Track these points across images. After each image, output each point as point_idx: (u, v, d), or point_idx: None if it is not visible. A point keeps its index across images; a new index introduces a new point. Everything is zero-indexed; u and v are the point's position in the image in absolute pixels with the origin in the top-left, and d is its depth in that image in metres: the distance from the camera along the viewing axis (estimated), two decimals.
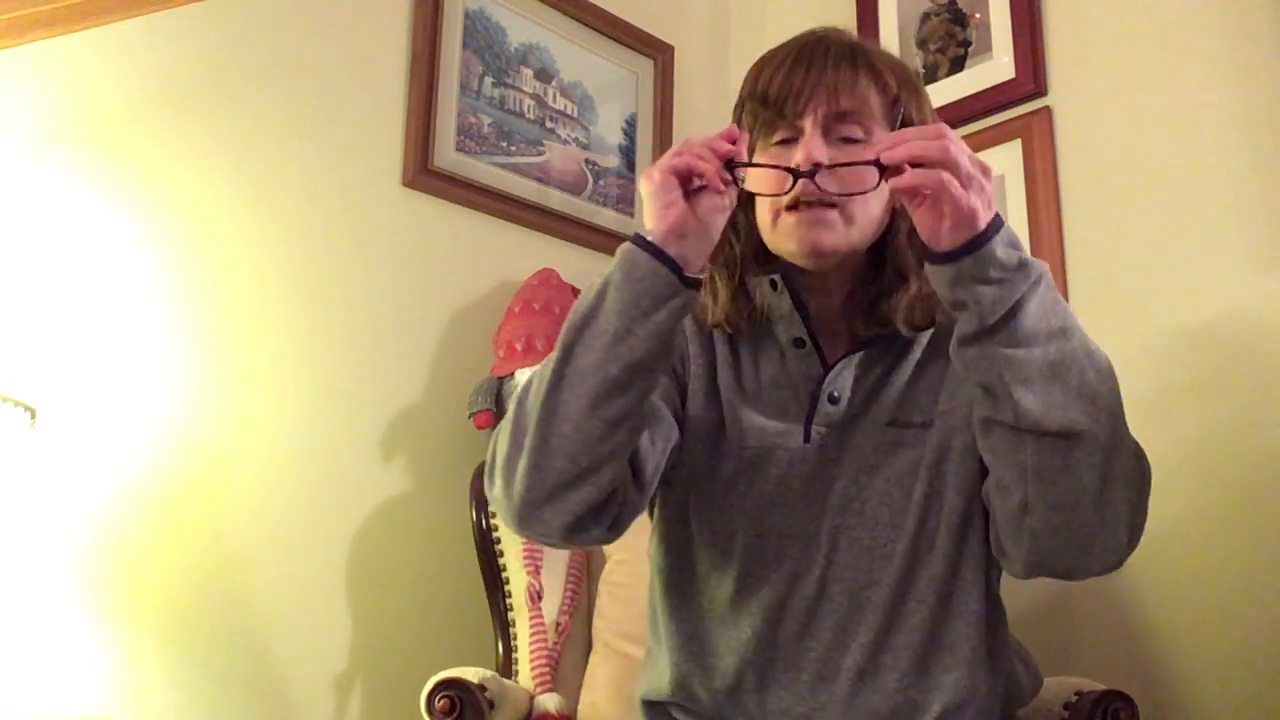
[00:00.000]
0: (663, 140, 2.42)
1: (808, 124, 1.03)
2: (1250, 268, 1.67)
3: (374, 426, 1.90)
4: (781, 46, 1.11)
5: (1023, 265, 0.92)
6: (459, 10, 2.14)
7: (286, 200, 1.87)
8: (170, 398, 1.70)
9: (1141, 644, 1.67)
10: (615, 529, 1.02)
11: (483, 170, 2.12)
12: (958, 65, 2.13)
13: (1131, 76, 1.87)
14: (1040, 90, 1.98)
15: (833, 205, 1.03)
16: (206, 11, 1.83)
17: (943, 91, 2.13)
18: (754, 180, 1.05)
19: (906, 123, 1.07)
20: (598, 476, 0.96)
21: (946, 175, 0.89)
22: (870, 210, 1.06)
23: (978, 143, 2.05)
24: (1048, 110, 1.97)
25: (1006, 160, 2.00)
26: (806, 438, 1.10)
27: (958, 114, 2.08)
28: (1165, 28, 1.84)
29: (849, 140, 1.04)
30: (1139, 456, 0.99)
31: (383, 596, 1.85)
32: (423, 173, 2.03)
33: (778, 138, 1.06)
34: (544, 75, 2.27)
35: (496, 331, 1.98)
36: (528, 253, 2.14)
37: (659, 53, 2.47)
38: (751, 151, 1.08)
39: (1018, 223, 1.96)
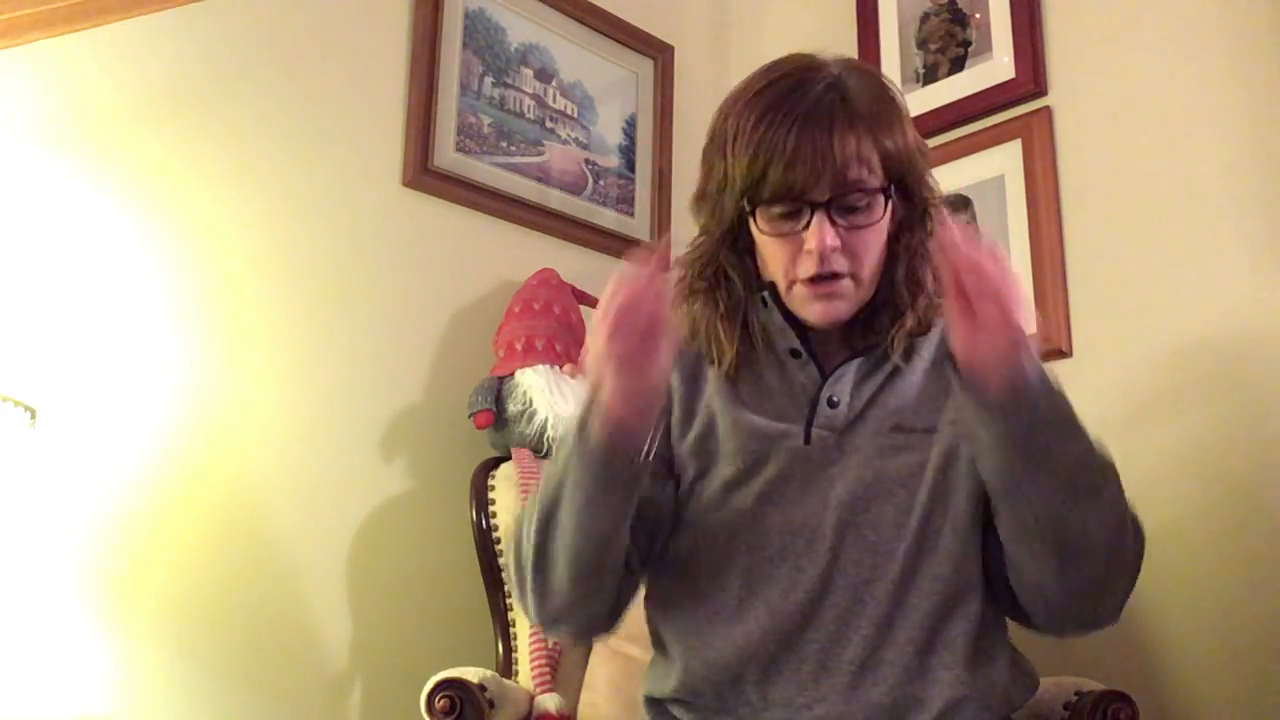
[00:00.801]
0: (663, 140, 2.42)
1: (816, 218, 1.07)
2: (1250, 268, 1.67)
3: (374, 426, 1.90)
4: (774, 97, 1.10)
5: (1057, 382, 1.01)
6: (459, 10, 2.14)
7: (286, 200, 1.87)
8: (170, 397, 1.70)
9: (1141, 644, 1.67)
10: (619, 619, 1.15)
11: (483, 170, 2.12)
12: (958, 65, 2.13)
13: (1131, 76, 1.87)
14: (1040, 90, 1.98)
15: (845, 275, 1.09)
16: (206, 11, 1.83)
17: (943, 91, 2.13)
18: (765, 246, 1.12)
19: (900, 163, 1.11)
20: (596, 596, 1.09)
21: (1007, 323, 0.95)
22: (875, 265, 1.12)
23: (977, 143, 2.05)
24: (1048, 110, 1.97)
25: (1006, 160, 2.00)
26: (807, 439, 1.13)
27: (958, 114, 2.08)
28: (1165, 28, 1.84)
29: (853, 209, 1.08)
30: (1138, 546, 1.08)
31: (383, 596, 1.85)
32: (423, 173, 2.03)
33: (780, 210, 1.09)
34: (544, 75, 2.27)
35: (496, 331, 1.98)
36: (528, 253, 2.14)
37: (659, 53, 2.47)
38: (748, 199, 1.10)
39: (1017, 222, 1.95)
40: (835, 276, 1.09)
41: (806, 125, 1.07)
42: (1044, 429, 0.99)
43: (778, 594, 1.09)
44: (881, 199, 1.09)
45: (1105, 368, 1.80)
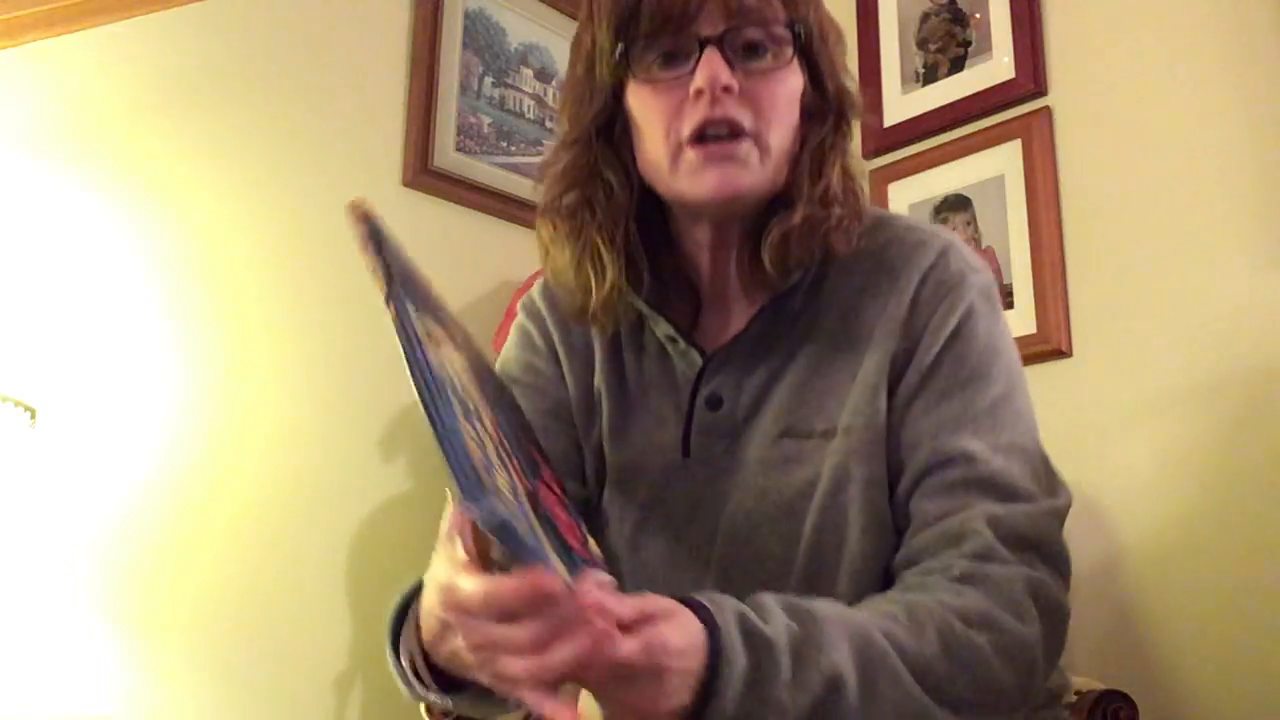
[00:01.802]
0: None
1: (706, 53, 0.85)
2: (1250, 267, 1.67)
3: (374, 426, 1.90)
4: None
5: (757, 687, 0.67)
6: (459, 10, 2.14)
7: (286, 200, 1.87)
8: (170, 398, 1.69)
9: (1141, 644, 1.67)
10: None
11: (483, 170, 2.12)
12: (958, 65, 2.13)
13: (1131, 76, 1.87)
14: (1040, 90, 1.98)
15: (745, 135, 0.86)
16: (205, 12, 1.83)
17: (943, 91, 2.13)
18: (644, 111, 0.89)
19: (807, 28, 0.90)
20: None
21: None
22: (785, 136, 0.89)
23: (977, 143, 2.05)
24: (1048, 110, 1.97)
25: (1006, 160, 2.00)
26: (685, 451, 0.92)
27: (958, 114, 2.08)
28: (1165, 28, 1.84)
29: (751, 50, 0.87)
30: (1019, 668, 0.77)
31: (383, 596, 1.84)
32: (423, 173, 2.03)
33: (658, 53, 0.88)
34: (544, 75, 2.27)
35: (496, 331, 1.97)
36: (528, 253, 2.10)
37: None
38: (623, 71, 0.89)
39: (1017, 222, 1.95)
40: (734, 134, 0.85)
41: None
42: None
43: None
44: (789, 50, 0.88)
45: (1105, 368, 1.80)
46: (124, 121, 1.72)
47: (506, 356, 1.04)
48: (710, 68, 0.84)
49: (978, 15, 2.12)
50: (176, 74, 1.79)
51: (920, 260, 0.91)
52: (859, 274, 0.91)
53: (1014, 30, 2.04)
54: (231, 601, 1.69)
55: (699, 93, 0.85)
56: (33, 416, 1.46)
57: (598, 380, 0.97)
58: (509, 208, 2.14)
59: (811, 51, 0.90)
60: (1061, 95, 1.97)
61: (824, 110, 0.92)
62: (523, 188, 2.17)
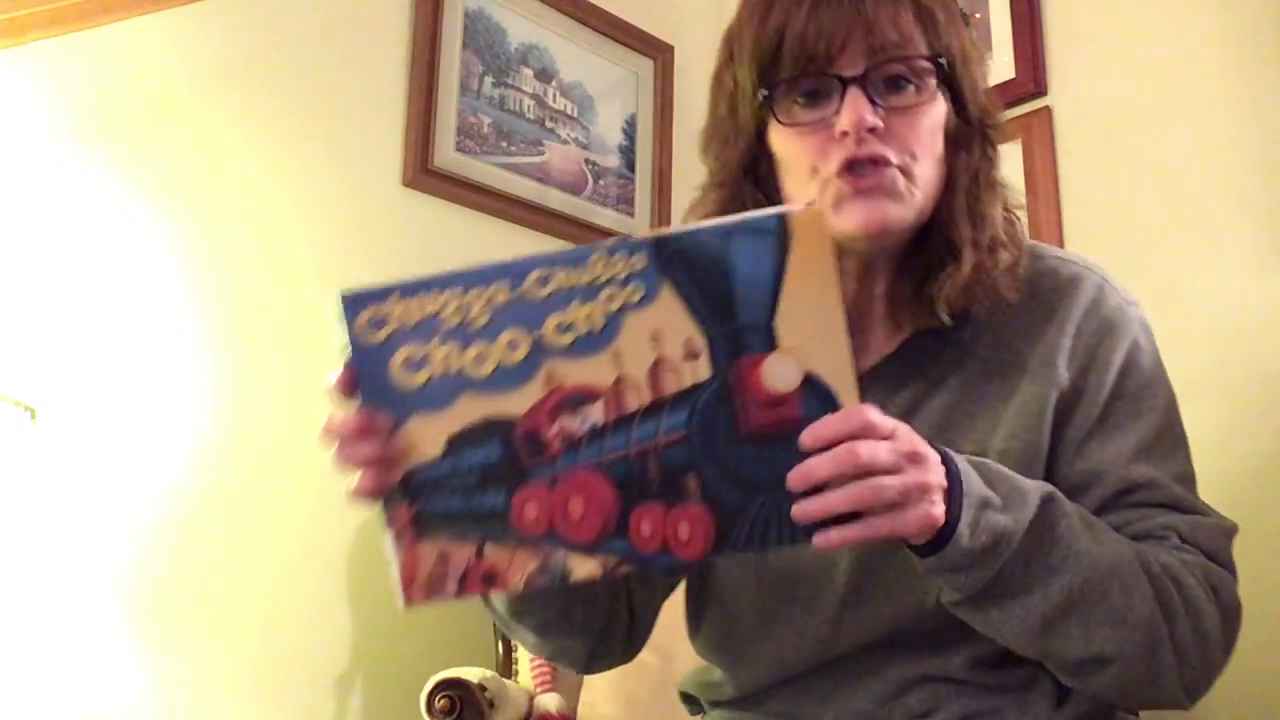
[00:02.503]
0: (663, 140, 2.42)
1: (849, 94, 0.86)
2: (1250, 267, 1.67)
3: None
4: None
5: (999, 539, 0.78)
6: (459, 10, 2.14)
7: (286, 200, 1.87)
8: (168, 397, 1.70)
9: None
10: (628, 653, 1.00)
11: (483, 170, 2.12)
12: None
13: (1131, 76, 1.87)
14: (1040, 90, 1.98)
15: (890, 165, 0.86)
16: (206, 12, 1.83)
17: None
18: (788, 151, 0.90)
19: (950, 57, 0.90)
20: (576, 642, 0.95)
21: (875, 520, 0.71)
22: (932, 167, 0.90)
23: None
24: (1048, 110, 1.97)
25: (1006, 160, 1.99)
26: None
27: None
28: (1165, 27, 1.84)
29: (893, 84, 0.88)
30: (1199, 635, 0.89)
31: (383, 596, 1.85)
32: (423, 173, 2.03)
33: (800, 94, 0.88)
34: (544, 75, 2.27)
35: None
36: (527, 253, 2.13)
37: (659, 53, 2.47)
38: (765, 113, 0.90)
39: None
40: (878, 163, 0.86)
41: None
42: (996, 589, 0.80)
43: (792, 633, 0.94)
44: (932, 81, 0.88)
45: None
46: (123, 122, 1.72)
47: None
48: (855, 110, 0.85)
49: (978, 15, 2.12)
50: (176, 75, 1.79)
51: (1079, 295, 0.95)
52: (1010, 302, 0.92)
53: (1014, 30, 2.04)
54: (232, 600, 1.69)
55: (844, 134, 0.86)
56: (33, 416, 1.46)
57: None
58: (509, 208, 2.14)
59: (955, 78, 0.91)
60: (1061, 95, 1.97)
61: (968, 136, 0.93)
62: (522, 188, 2.17)
